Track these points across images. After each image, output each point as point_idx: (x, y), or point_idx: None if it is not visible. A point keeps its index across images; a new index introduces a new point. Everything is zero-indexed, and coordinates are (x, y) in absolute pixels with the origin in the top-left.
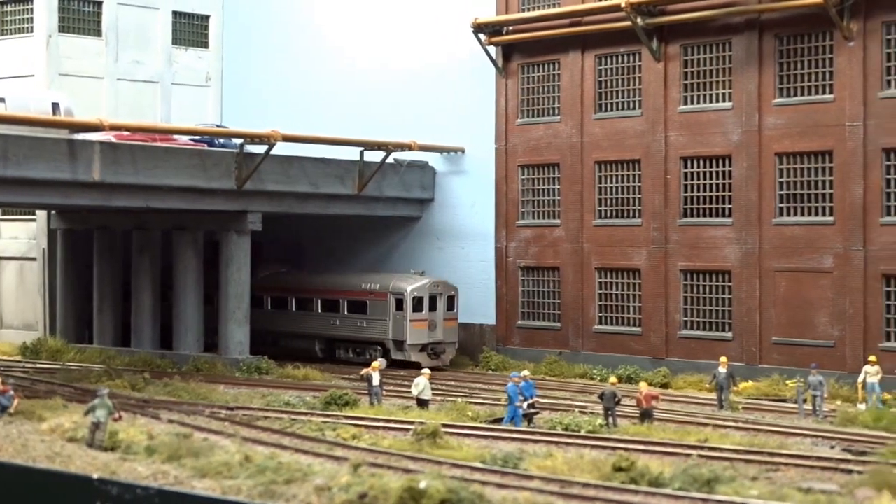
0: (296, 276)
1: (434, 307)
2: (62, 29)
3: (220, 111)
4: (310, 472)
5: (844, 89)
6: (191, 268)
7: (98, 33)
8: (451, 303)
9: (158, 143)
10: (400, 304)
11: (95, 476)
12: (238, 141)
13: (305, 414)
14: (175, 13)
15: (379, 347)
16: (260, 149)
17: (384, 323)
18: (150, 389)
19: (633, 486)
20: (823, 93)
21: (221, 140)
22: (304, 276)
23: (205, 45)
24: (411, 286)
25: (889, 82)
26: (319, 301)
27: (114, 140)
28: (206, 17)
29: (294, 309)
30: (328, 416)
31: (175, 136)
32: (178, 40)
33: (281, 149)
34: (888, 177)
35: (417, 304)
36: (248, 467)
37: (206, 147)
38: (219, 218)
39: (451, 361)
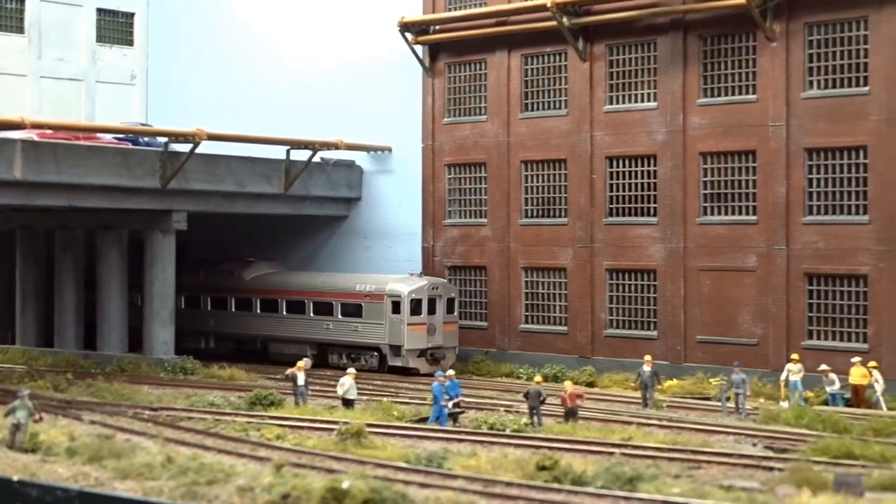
0: (286, 276)
1: (433, 310)
2: None
3: (145, 109)
4: (232, 472)
5: (767, 90)
6: (115, 267)
7: (21, 30)
8: (450, 305)
9: (82, 142)
10: (397, 307)
11: (15, 478)
12: (163, 139)
13: (230, 414)
14: (99, 10)
15: (375, 353)
16: (185, 147)
17: (380, 327)
18: (72, 390)
19: (556, 485)
20: (747, 93)
21: (146, 139)
22: (296, 276)
23: (129, 42)
24: (409, 288)
25: (811, 83)
26: (311, 303)
27: (36, 138)
28: (131, 15)
29: (284, 312)
30: (253, 416)
31: (99, 135)
32: (102, 38)
33: (206, 147)
34: (810, 176)
35: (415, 307)
36: (170, 468)
37: (130, 146)
38: (143, 217)
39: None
